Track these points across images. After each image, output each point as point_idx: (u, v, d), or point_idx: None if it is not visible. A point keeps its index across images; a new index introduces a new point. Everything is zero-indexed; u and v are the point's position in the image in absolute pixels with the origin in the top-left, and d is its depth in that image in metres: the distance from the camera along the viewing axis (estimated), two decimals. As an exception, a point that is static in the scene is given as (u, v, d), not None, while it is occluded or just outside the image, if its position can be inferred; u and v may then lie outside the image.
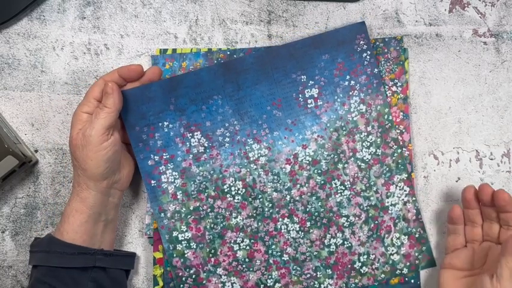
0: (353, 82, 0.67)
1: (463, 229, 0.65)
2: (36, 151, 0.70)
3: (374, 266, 0.67)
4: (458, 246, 0.65)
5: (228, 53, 0.69)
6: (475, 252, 0.64)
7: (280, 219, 0.67)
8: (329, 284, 0.67)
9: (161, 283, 0.68)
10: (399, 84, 0.69)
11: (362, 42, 0.67)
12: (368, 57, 0.67)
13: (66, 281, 0.60)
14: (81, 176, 0.61)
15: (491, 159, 0.70)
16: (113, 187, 0.63)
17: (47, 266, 0.60)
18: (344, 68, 0.67)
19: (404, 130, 0.69)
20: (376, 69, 0.67)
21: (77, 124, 0.61)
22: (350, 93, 0.67)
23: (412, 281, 0.68)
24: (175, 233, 0.66)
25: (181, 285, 0.67)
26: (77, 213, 0.61)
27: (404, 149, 0.69)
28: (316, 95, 0.67)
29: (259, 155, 0.67)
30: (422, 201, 0.70)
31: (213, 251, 0.67)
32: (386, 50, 0.69)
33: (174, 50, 0.70)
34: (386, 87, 0.69)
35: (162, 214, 0.66)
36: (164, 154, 0.66)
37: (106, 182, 0.62)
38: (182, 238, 0.66)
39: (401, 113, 0.69)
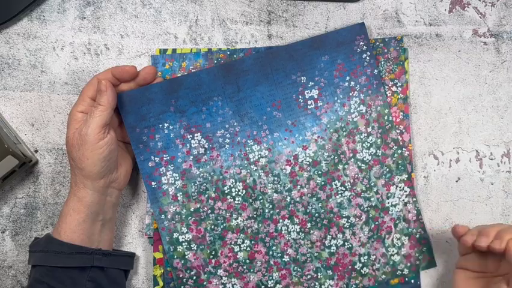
0: (352, 83, 0.67)
1: None
2: (36, 151, 0.70)
3: (374, 267, 0.68)
4: (469, 251, 0.62)
5: (228, 53, 0.69)
6: (488, 258, 0.61)
7: (280, 220, 0.67)
8: (329, 285, 0.67)
9: (161, 283, 0.68)
10: (399, 84, 0.69)
11: (361, 43, 0.67)
12: (367, 58, 0.67)
13: (64, 280, 0.60)
14: (78, 176, 0.61)
15: (491, 159, 0.70)
16: (110, 186, 0.63)
17: (46, 265, 0.60)
18: (343, 69, 0.67)
19: (404, 130, 0.69)
20: (376, 70, 0.67)
21: (73, 124, 0.61)
22: (350, 94, 0.67)
23: (412, 281, 0.68)
24: (175, 235, 0.66)
25: (182, 287, 0.67)
26: (75, 213, 0.61)
27: (404, 149, 0.69)
28: (316, 96, 0.67)
29: (259, 156, 0.67)
30: (422, 201, 0.70)
31: (213, 253, 0.67)
32: (386, 50, 0.69)
33: (174, 50, 0.70)
34: (386, 87, 0.69)
35: (163, 215, 0.66)
36: (164, 155, 0.66)
37: (103, 181, 0.62)
38: (183, 239, 0.66)
39: (401, 113, 0.69)
